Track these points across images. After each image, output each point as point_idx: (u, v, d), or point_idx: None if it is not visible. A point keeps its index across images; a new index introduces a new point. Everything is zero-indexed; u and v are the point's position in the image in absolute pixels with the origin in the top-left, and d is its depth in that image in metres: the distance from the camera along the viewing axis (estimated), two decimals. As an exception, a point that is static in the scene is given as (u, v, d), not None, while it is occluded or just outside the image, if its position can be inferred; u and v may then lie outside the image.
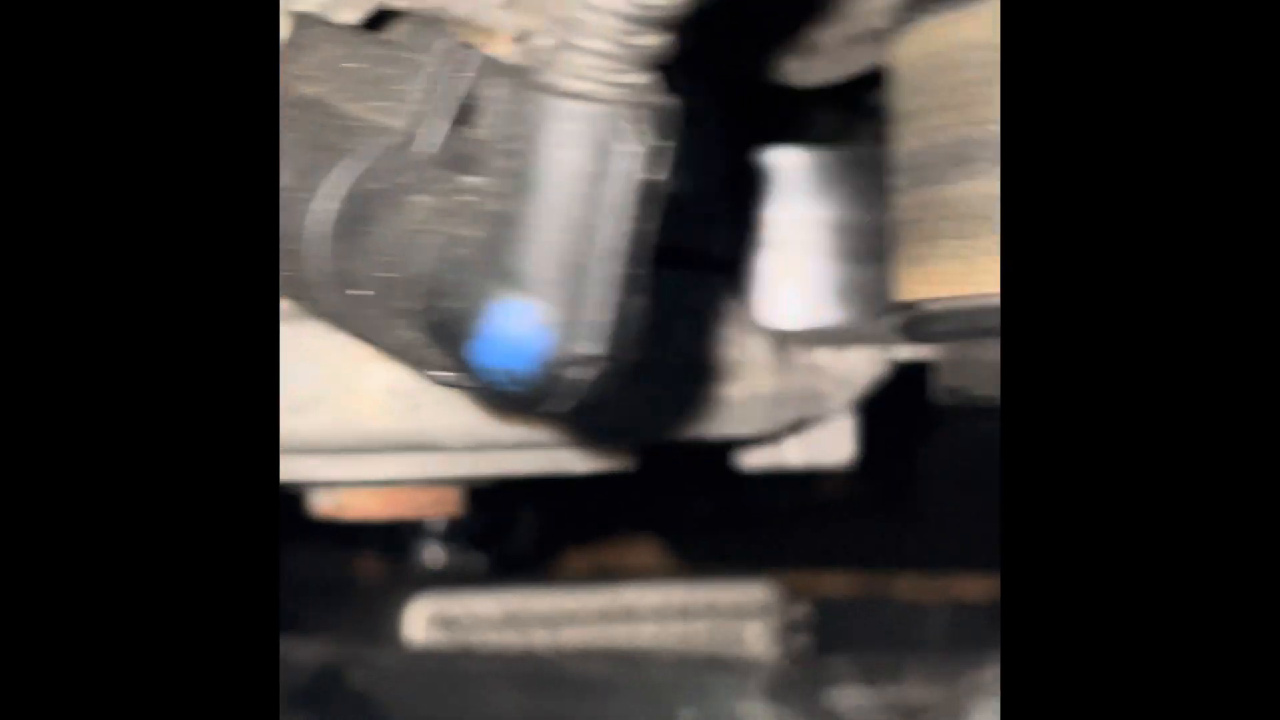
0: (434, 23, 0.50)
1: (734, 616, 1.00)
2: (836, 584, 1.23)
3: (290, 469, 0.61)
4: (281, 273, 0.47)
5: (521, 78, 0.44)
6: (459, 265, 0.44)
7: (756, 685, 0.78)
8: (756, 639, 1.00)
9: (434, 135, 0.47)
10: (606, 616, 0.97)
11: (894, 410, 0.74)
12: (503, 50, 0.48)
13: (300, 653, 0.84)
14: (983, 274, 0.52)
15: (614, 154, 0.43)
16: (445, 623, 0.93)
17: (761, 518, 1.24)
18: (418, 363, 0.47)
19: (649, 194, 0.44)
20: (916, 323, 0.55)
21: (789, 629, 1.01)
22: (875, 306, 0.75)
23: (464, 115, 0.47)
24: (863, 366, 0.71)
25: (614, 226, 0.44)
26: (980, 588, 1.12)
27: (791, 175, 0.76)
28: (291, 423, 0.59)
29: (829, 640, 1.04)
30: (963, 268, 0.53)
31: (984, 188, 0.52)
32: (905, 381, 0.70)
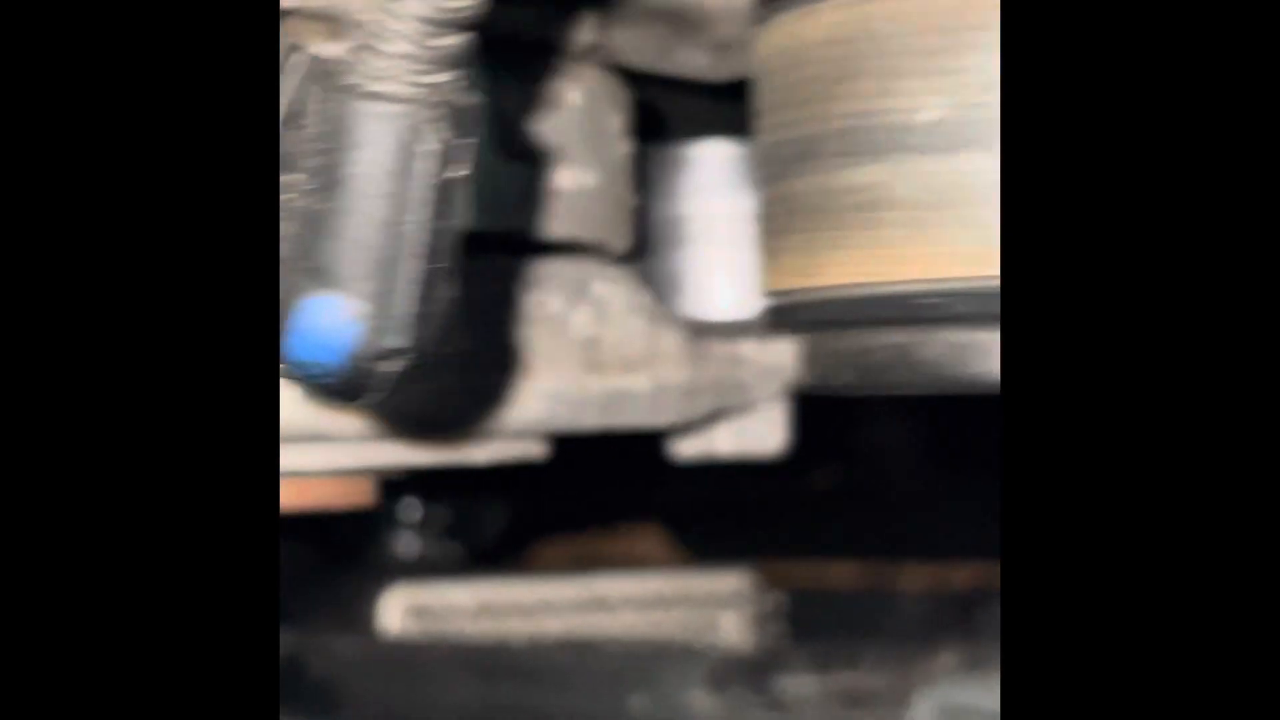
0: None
1: (709, 605, 1.00)
2: (841, 574, 1.24)
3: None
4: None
5: (331, 79, 0.45)
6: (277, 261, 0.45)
7: (705, 673, 0.78)
8: (732, 628, 1.00)
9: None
10: (582, 606, 0.98)
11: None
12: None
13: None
14: (828, 266, 0.53)
15: (416, 153, 0.45)
16: (419, 612, 0.94)
17: (765, 506, 1.25)
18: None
19: (450, 190, 0.45)
20: (770, 315, 0.56)
21: (764, 617, 1.02)
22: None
23: (292, 116, 0.48)
24: (789, 357, 0.71)
25: (418, 223, 0.45)
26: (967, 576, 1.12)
27: (715, 168, 0.77)
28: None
29: (827, 629, 1.05)
30: (808, 260, 0.54)
31: (826, 181, 0.53)
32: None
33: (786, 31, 0.54)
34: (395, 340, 0.45)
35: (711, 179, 0.77)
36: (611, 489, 1.17)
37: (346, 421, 0.61)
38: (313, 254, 0.45)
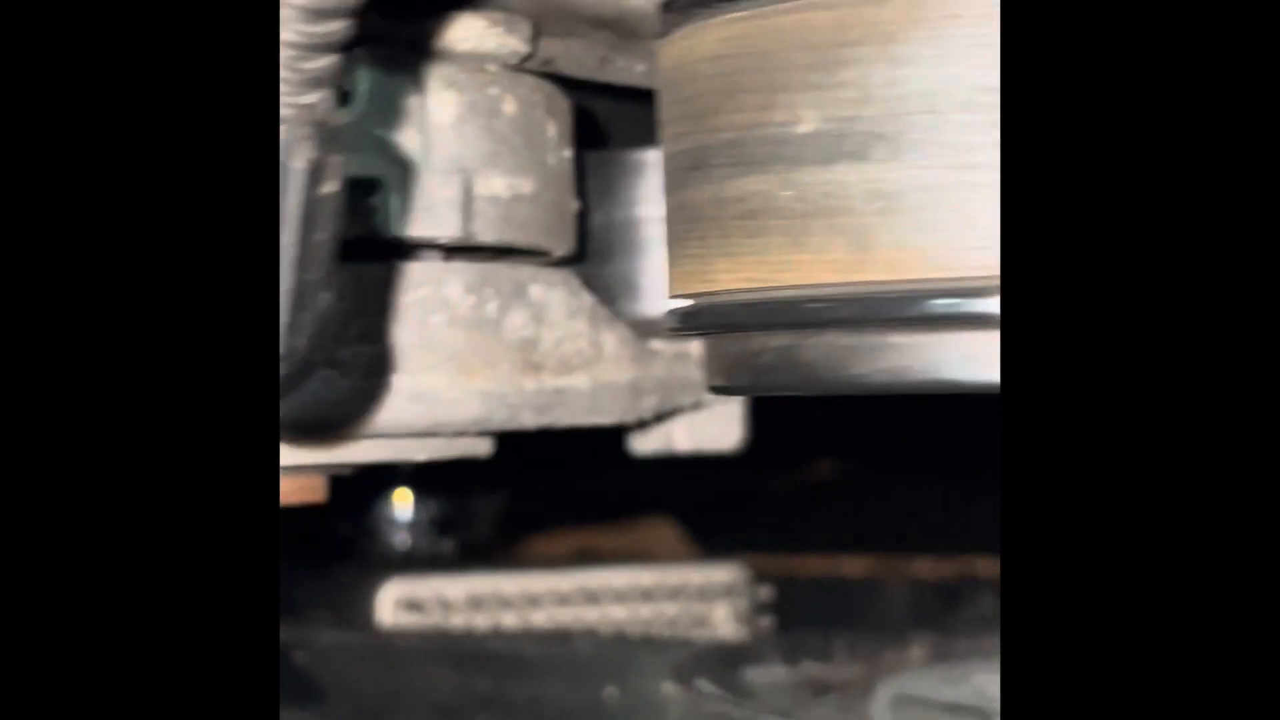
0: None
1: (702, 598, 1.02)
2: (854, 566, 1.25)
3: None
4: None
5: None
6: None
7: (675, 665, 0.80)
8: (724, 620, 1.02)
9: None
10: (575, 599, 1.00)
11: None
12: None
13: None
14: (719, 272, 0.55)
15: (289, 170, 0.47)
16: (412, 606, 0.96)
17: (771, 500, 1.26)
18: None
19: (322, 206, 0.47)
20: (673, 319, 0.58)
21: (756, 610, 1.04)
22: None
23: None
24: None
25: (293, 237, 0.47)
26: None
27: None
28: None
29: (818, 619, 1.06)
30: (702, 267, 0.56)
31: (717, 191, 0.55)
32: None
33: (680, 47, 0.56)
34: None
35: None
36: (620, 481, 1.19)
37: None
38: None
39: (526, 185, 0.66)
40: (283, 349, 0.47)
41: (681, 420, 0.77)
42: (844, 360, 0.54)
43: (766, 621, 1.04)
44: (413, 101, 0.64)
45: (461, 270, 0.65)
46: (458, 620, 0.96)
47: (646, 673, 0.83)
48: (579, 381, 0.68)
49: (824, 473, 1.26)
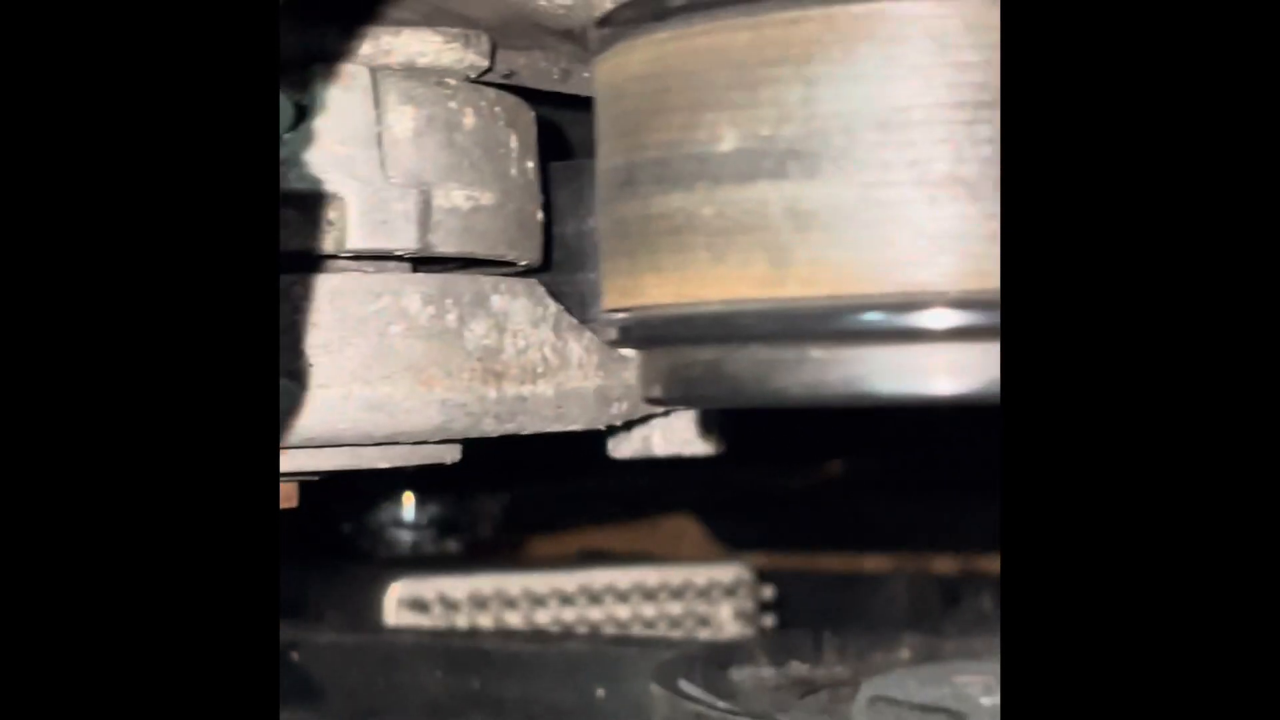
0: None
1: (706, 597, 1.04)
2: (878, 564, 1.26)
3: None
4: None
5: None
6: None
7: (664, 664, 0.81)
8: (729, 619, 1.04)
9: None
10: (579, 598, 1.01)
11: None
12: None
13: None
14: (647, 287, 0.56)
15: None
16: (416, 605, 0.98)
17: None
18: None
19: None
20: (609, 332, 0.59)
21: (760, 608, 1.05)
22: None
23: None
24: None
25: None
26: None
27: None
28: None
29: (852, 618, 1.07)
30: (632, 281, 0.57)
31: (644, 208, 0.56)
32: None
33: (612, 64, 0.57)
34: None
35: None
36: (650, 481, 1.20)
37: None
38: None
39: (487, 197, 0.68)
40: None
41: (659, 425, 0.78)
42: (767, 373, 0.54)
43: (770, 620, 1.05)
44: (371, 116, 0.65)
45: (420, 281, 0.66)
46: (462, 620, 0.98)
47: (638, 673, 0.84)
48: (543, 389, 0.69)
49: (834, 471, 1.26)
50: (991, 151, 0.51)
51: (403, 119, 0.66)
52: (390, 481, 1.07)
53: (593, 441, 0.79)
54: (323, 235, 0.65)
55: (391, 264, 0.67)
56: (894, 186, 0.52)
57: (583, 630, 0.97)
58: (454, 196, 0.67)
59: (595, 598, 1.01)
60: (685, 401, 0.58)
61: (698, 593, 1.03)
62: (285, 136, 0.64)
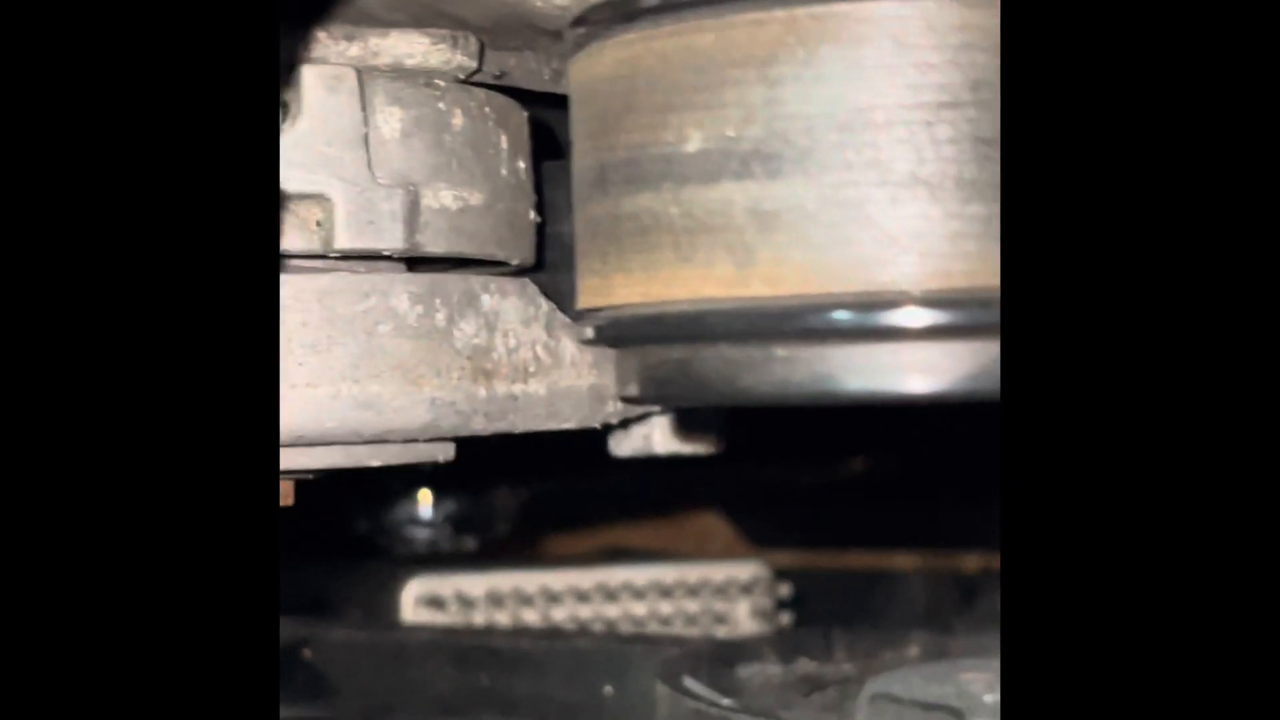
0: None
1: (724, 595, 1.04)
2: (904, 562, 1.25)
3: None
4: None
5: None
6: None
7: (667, 662, 0.82)
8: (746, 617, 1.04)
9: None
10: (596, 596, 1.02)
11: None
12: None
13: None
14: (617, 286, 0.56)
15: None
16: (433, 603, 0.99)
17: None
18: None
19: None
20: (582, 332, 0.59)
21: (778, 606, 1.05)
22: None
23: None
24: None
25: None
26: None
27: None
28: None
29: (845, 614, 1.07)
30: (603, 281, 0.57)
31: (614, 208, 0.56)
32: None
33: (584, 65, 0.58)
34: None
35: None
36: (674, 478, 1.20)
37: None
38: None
39: (476, 197, 0.68)
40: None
41: (658, 423, 0.79)
42: (734, 372, 0.55)
43: (787, 618, 1.05)
44: (358, 117, 0.65)
45: (409, 281, 0.67)
46: (479, 617, 0.98)
47: (647, 670, 0.84)
48: (535, 388, 0.70)
49: (859, 468, 1.26)
50: (953, 152, 0.51)
51: (390, 120, 0.66)
52: (408, 479, 1.07)
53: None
54: (310, 235, 0.65)
55: (383, 264, 0.68)
56: (856, 187, 0.52)
57: (599, 628, 0.97)
58: (442, 197, 0.67)
59: (612, 595, 1.01)
60: (658, 400, 0.58)
61: (714, 590, 1.03)
62: (273, 138, 0.64)
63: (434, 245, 0.67)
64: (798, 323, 0.53)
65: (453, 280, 0.68)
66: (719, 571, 1.03)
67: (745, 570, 1.04)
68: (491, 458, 0.87)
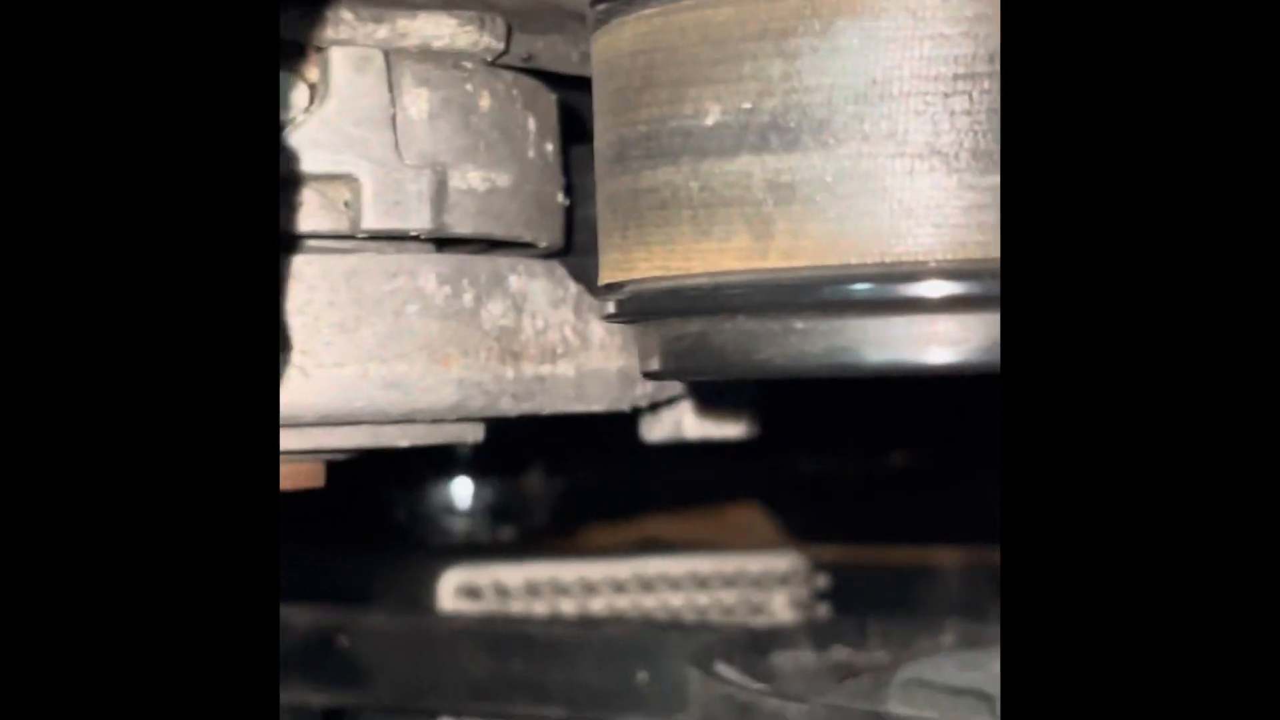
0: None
1: (761, 586, 1.04)
2: (946, 556, 1.25)
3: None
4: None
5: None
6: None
7: (700, 648, 0.82)
8: (783, 608, 1.04)
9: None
10: (633, 586, 1.02)
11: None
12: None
13: (295, 618, 0.92)
14: (637, 261, 0.57)
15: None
16: (471, 592, 0.99)
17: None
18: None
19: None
20: (603, 307, 0.60)
21: (815, 598, 1.05)
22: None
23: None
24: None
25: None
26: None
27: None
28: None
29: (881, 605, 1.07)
30: (623, 256, 0.57)
31: (634, 183, 0.56)
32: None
33: (605, 42, 0.58)
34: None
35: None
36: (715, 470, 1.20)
37: (296, 405, 0.66)
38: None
39: (504, 178, 0.68)
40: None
41: (690, 407, 0.79)
42: (751, 345, 0.55)
43: (824, 609, 1.05)
44: (385, 98, 0.66)
45: (436, 261, 0.67)
46: (516, 607, 0.98)
47: (680, 657, 0.84)
48: (563, 369, 0.70)
49: (901, 461, 1.26)
50: (968, 123, 0.51)
51: (417, 101, 0.67)
52: (446, 468, 1.08)
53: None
54: (338, 216, 0.66)
55: (411, 245, 0.68)
56: (872, 158, 0.52)
57: (614, 617, 0.98)
58: (470, 178, 0.68)
59: (648, 586, 1.02)
60: (678, 374, 0.58)
61: (751, 581, 1.03)
62: (300, 119, 0.65)
63: (461, 226, 0.67)
64: (815, 295, 0.53)
65: (480, 261, 0.69)
66: (756, 563, 1.03)
67: (782, 561, 1.04)
68: (529, 447, 0.88)
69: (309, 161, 0.65)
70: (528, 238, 0.70)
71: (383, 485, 1.09)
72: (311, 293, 0.65)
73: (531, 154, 0.70)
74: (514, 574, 0.99)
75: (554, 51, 0.71)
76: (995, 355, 0.51)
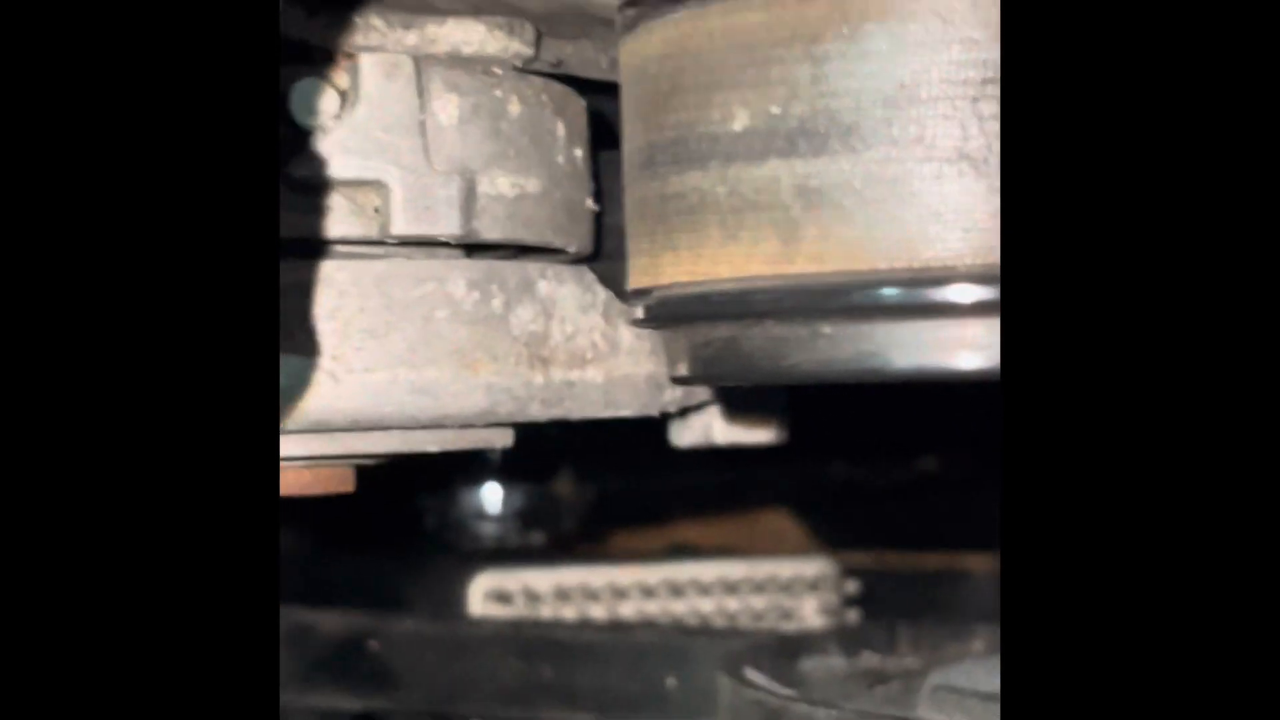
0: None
1: (790, 592, 1.04)
2: (978, 563, 1.25)
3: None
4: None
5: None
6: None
7: (730, 654, 0.82)
8: (813, 614, 1.04)
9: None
10: (663, 591, 1.02)
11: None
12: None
13: (326, 623, 0.92)
14: (665, 266, 0.57)
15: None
16: (501, 598, 0.99)
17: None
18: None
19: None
20: (632, 312, 0.60)
21: (844, 603, 1.05)
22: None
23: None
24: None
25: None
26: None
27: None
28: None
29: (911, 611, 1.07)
30: (651, 260, 0.57)
31: (662, 188, 0.56)
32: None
33: (634, 47, 0.58)
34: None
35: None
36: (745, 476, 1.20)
37: (327, 411, 0.66)
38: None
39: (533, 184, 0.68)
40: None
41: (719, 412, 0.79)
42: (779, 350, 0.55)
43: (854, 615, 1.05)
44: (414, 104, 0.66)
45: (465, 267, 0.67)
46: (546, 612, 0.99)
47: (709, 663, 0.84)
48: (592, 375, 0.70)
49: (932, 467, 1.26)
50: (997, 127, 0.51)
51: (447, 107, 0.67)
52: (476, 473, 1.08)
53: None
54: (367, 221, 0.66)
55: (440, 250, 0.68)
56: (901, 163, 0.52)
57: (643, 622, 0.98)
58: (499, 183, 0.68)
59: (678, 591, 1.02)
60: (706, 380, 0.59)
61: (781, 587, 1.03)
62: (330, 125, 0.65)
63: (490, 232, 0.68)
64: (843, 300, 0.53)
65: (509, 267, 0.69)
66: (785, 568, 1.03)
67: (812, 567, 1.04)
68: (559, 452, 0.88)
69: (339, 167, 0.65)
70: (557, 243, 0.70)
71: (413, 490, 1.09)
72: (342, 298, 0.65)
73: (560, 159, 0.70)
74: (544, 579, 1.00)
75: (583, 57, 0.71)
76: (1024, 360, 0.51)
